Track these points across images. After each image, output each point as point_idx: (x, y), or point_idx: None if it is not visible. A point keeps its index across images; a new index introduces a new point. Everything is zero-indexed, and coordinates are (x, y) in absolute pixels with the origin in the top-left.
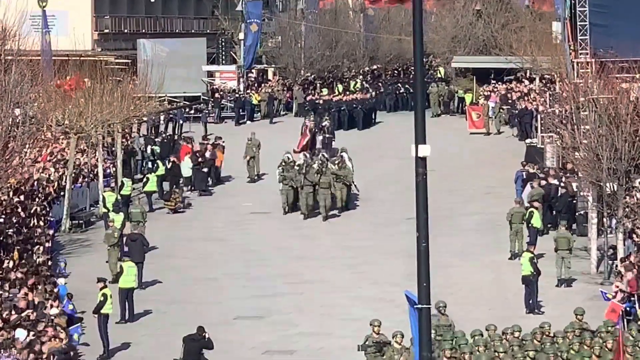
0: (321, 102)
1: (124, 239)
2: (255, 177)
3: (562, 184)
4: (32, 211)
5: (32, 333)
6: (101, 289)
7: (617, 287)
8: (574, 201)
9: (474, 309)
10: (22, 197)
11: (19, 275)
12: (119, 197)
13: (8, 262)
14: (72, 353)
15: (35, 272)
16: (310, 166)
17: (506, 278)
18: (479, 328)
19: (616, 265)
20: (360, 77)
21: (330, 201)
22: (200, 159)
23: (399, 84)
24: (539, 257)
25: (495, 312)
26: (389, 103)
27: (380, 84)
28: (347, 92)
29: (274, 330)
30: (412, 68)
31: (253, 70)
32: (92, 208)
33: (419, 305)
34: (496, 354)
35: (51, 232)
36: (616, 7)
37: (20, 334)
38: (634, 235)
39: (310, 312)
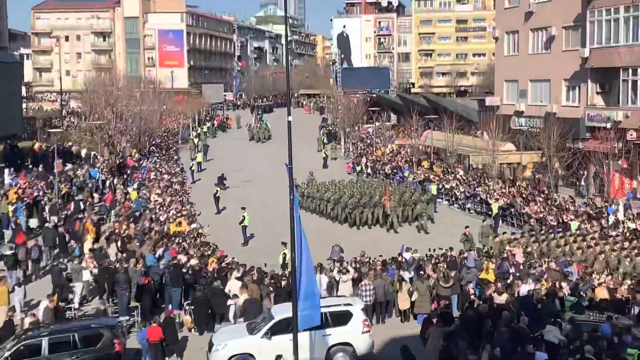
0: (256, 104)
1: None
2: None
3: (333, 129)
4: None
5: None
6: None
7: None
8: (336, 134)
9: None
10: None
11: None
12: None
13: None
14: None
15: None
16: None
17: None
18: None
19: (350, 150)
20: None
21: None
22: None
23: (277, 99)
24: None
25: None
26: (274, 105)
27: None
28: None
29: None
30: None
31: None
32: None
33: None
34: None
35: None
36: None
37: None
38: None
39: None
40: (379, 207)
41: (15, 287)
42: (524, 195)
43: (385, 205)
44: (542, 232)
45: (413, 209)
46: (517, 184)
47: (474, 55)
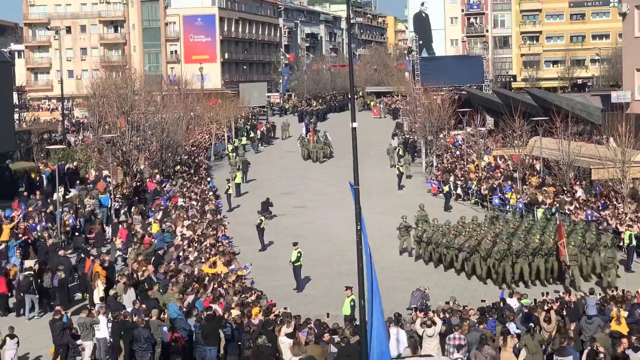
0: (309, 110)
1: None
2: None
3: (410, 137)
4: None
5: None
6: None
7: (436, 175)
8: (415, 144)
9: None
10: None
11: None
12: None
13: None
14: None
15: None
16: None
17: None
18: None
19: (433, 165)
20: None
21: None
22: None
23: (332, 102)
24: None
25: None
26: (328, 109)
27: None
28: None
29: None
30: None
31: None
32: None
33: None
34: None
35: None
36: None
37: None
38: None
39: None
40: (539, 256)
41: (7, 338)
42: None
43: (561, 253)
44: None
45: (593, 258)
46: None
47: (594, 37)
